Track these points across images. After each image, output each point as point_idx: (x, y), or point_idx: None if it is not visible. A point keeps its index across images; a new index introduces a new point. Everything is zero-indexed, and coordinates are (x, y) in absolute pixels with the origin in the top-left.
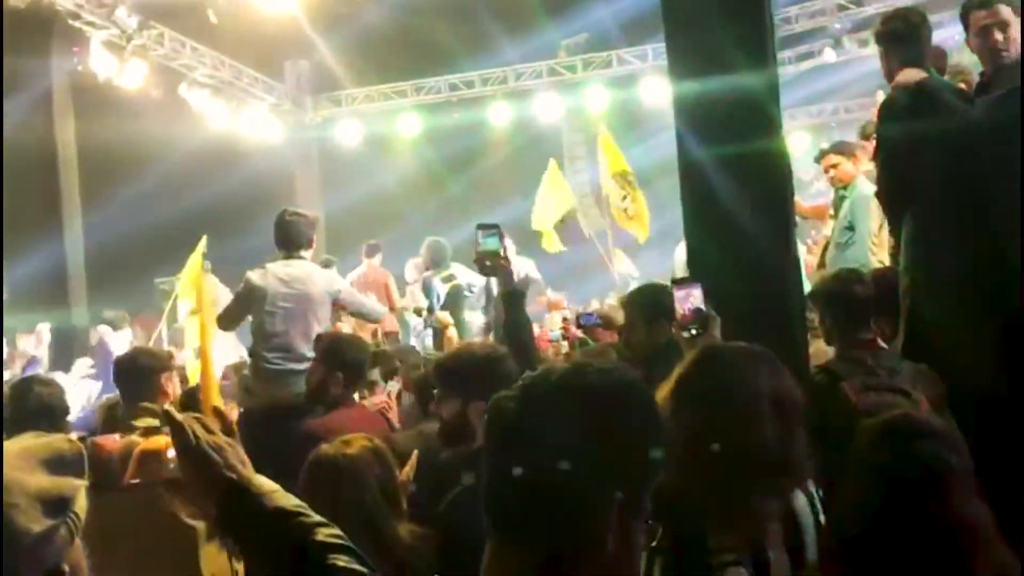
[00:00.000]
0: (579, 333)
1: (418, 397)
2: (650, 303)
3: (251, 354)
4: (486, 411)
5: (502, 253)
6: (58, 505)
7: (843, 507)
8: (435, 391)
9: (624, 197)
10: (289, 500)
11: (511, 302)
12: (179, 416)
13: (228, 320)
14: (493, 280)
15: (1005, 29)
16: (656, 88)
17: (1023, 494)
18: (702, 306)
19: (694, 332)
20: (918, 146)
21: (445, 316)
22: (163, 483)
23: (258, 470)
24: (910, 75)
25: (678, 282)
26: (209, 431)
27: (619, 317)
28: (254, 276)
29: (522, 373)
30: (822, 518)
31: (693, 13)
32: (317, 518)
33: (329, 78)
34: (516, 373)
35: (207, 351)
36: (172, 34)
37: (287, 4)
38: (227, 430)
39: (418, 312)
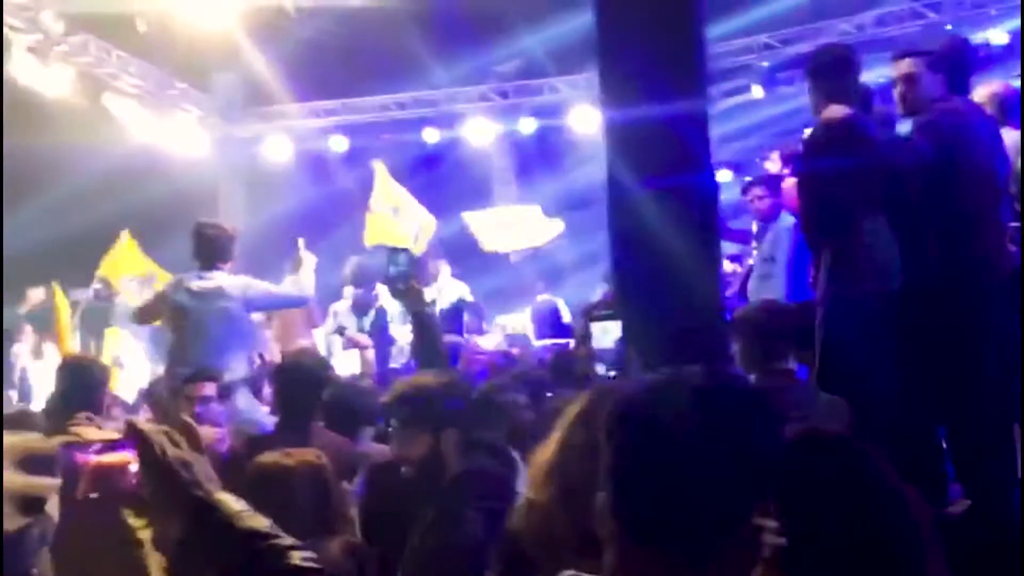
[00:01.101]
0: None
1: None
2: None
3: (166, 371)
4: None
5: (413, 276)
6: (32, 504)
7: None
8: (392, 425)
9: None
10: (260, 522)
11: (421, 324)
12: (146, 428)
13: (144, 315)
14: None
15: (904, 83)
16: (587, 117)
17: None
18: (615, 343)
19: (612, 373)
20: (840, 180)
21: (363, 337)
22: (123, 499)
23: None
24: (835, 111)
25: (596, 317)
26: (176, 445)
27: None
28: (167, 287)
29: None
30: None
31: (625, 45)
32: (290, 540)
33: (259, 93)
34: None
35: None
36: (98, 42)
37: (218, 17)
38: (195, 445)
39: (340, 331)
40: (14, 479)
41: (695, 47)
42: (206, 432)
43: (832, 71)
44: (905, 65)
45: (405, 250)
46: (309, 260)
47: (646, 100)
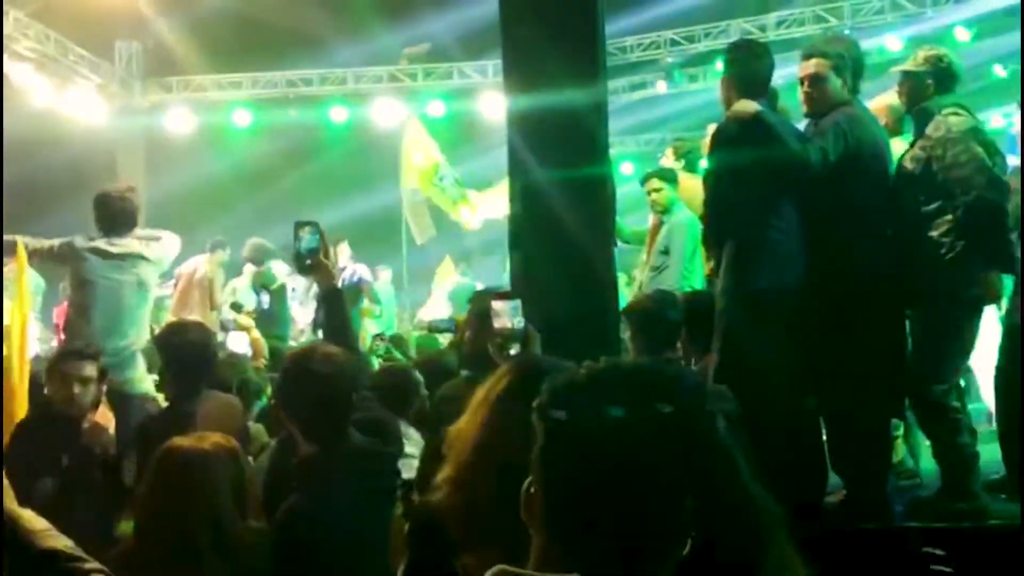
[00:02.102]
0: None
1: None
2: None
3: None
4: (548, 404)
5: (321, 251)
6: None
7: None
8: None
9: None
10: (61, 542)
11: (331, 301)
12: None
13: (35, 254)
14: None
15: (807, 83)
16: (495, 103)
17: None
18: (521, 322)
19: (512, 350)
20: (747, 174)
21: (246, 320)
22: None
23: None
24: (746, 105)
25: (499, 295)
26: None
27: None
28: (75, 242)
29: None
30: None
31: (528, 33)
32: (92, 564)
33: (162, 63)
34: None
35: (23, 348)
36: None
37: None
38: None
39: (236, 308)
40: None
41: (595, 38)
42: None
43: (746, 65)
44: (812, 65)
45: (312, 223)
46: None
47: (548, 89)
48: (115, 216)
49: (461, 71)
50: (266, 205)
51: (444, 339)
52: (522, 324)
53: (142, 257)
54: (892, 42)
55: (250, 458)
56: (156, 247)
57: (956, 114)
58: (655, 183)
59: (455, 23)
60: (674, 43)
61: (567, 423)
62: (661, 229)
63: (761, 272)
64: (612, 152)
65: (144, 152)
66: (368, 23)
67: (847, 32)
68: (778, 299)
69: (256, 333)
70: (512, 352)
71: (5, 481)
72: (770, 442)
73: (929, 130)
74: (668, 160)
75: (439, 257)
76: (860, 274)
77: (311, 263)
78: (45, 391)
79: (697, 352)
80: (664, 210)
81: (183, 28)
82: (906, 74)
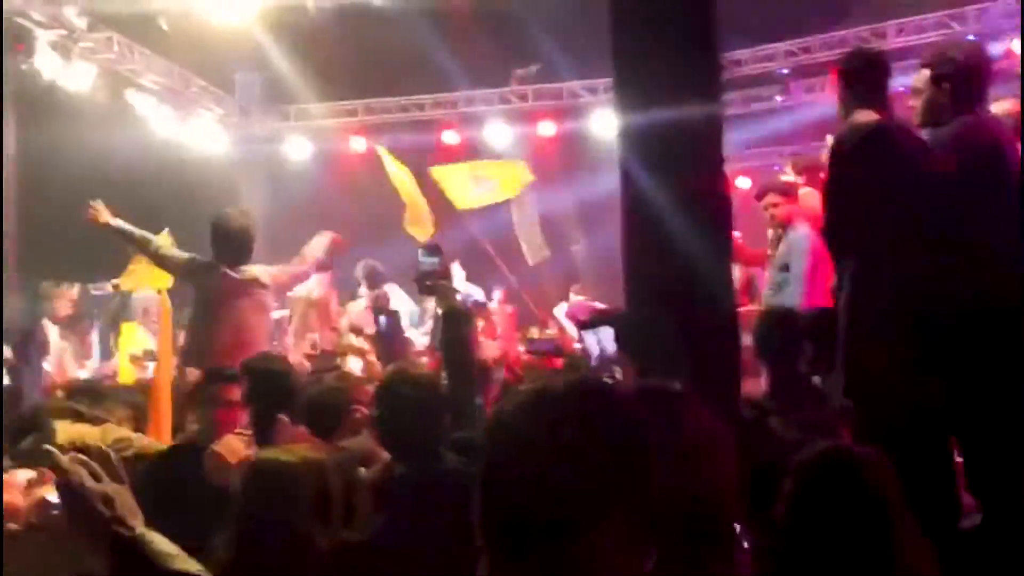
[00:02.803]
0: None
1: None
2: None
3: (184, 361)
4: (488, 424)
5: (442, 273)
6: None
7: (780, 542)
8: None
9: None
10: (188, 565)
11: (450, 321)
12: (63, 460)
13: (175, 268)
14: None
15: (915, 95)
16: (606, 121)
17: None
18: (612, 350)
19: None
20: (867, 187)
21: (363, 343)
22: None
23: None
24: (865, 116)
25: (588, 326)
26: (97, 478)
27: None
28: (201, 262)
29: (458, 392)
30: None
31: (641, 48)
32: None
33: (279, 92)
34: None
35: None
36: (121, 38)
37: (240, 16)
38: (115, 476)
39: (355, 331)
40: None
41: (710, 52)
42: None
43: (863, 76)
44: (926, 75)
45: (436, 246)
46: (324, 237)
47: (660, 104)
48: (235, 240)
49: (571, 90)
50: (382, 227)
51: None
52: (613, 352)
53: (259, 279)
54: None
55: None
56: (274, 273)
57: None
58: (773, 197)
59: (564, 42)
60: (790, 53)
61: (497, 443)
62: (780, 244)
63: (884, 288)
64: (727, 166)
65: (263, 179)
66: (479, 46)
67: (970, 38)
68: (903, 315)
69: (372, 356)
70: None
71: (131, 502)
72: (899, 462)
73: None
74: (788, 175)
75: (552, 276)
76: (991, 288)
77: (431, 285)
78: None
79: (822, 370)
80: (782, 225)
81: (300, 58)
82: None
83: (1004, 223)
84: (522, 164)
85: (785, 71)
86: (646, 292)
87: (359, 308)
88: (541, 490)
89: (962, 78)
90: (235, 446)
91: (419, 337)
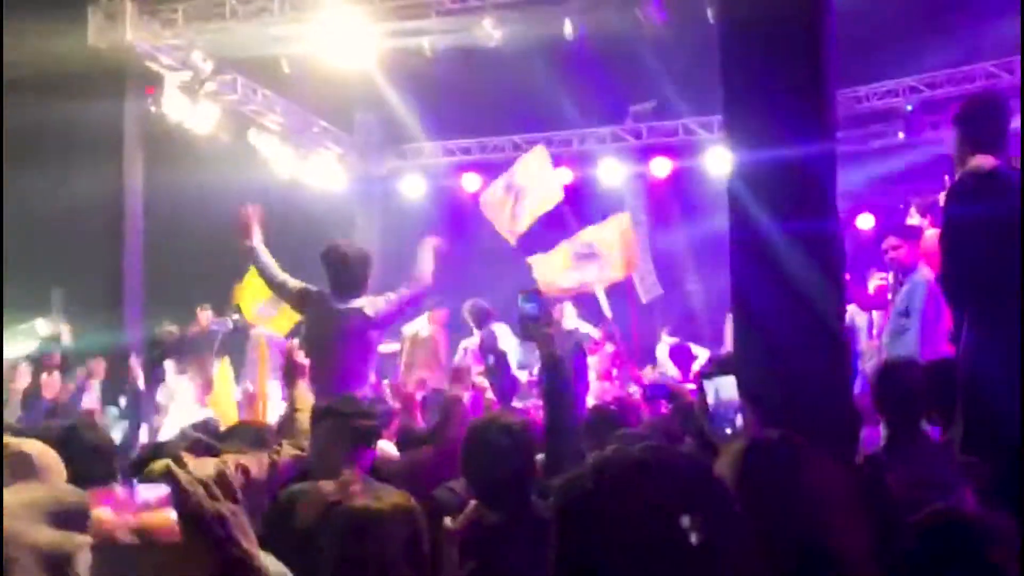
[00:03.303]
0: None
1: None
2: None
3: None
4: (561, 492)
5: (542, 319)
6: (59, 561)
7: None
8: None
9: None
10: None
11: (549, 368)
12: (183, 478)
13: (281, 292)
14: None
15: None
16: (721, 158)
17: None
18: (736, 398)
19: (728, 430)
20: (985, 233)
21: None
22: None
23: None
24: (983, 160)
25: (708, 375)
26: (214, 497)
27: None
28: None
29: (554, 440)
30: None
31: (752, 85)
32: None
33: (396, 132)
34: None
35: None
36: (244, 80)
37: (359, 58)
38: (232, 497)
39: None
40: (42, 535)
41: (820, 84)
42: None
43: (981, 119)
44: None
45: (535, 290)
46: (427, 247)
47: (772, 143)
48: (342, 271)
49: (686, 127)
50: (492, 264)
51: None
52: (737, 401)
53: (363, 311)
54: None
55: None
56: (380, 304)
57: None
58: (893, 240)
59: (681, 78)
60: (913, 89)
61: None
62: (902, 289)
63: (1004, 338)
64: (848, 205)
65: (380, 217)
66: (592, 83)
67: None
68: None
69: (490, 394)
70: (729, 431)
71: (245, 523)
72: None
73: None
74: (913, 216)
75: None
76: None
77: (531, 329)
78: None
79: (943, 421)
80: (904, 270)
81: (417, 98)
82: None
83: None
84: (625, 216)
85: (909, 107)
86: (757, 334)
87: (472, 345)
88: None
89: None
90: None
91: (526, 378)
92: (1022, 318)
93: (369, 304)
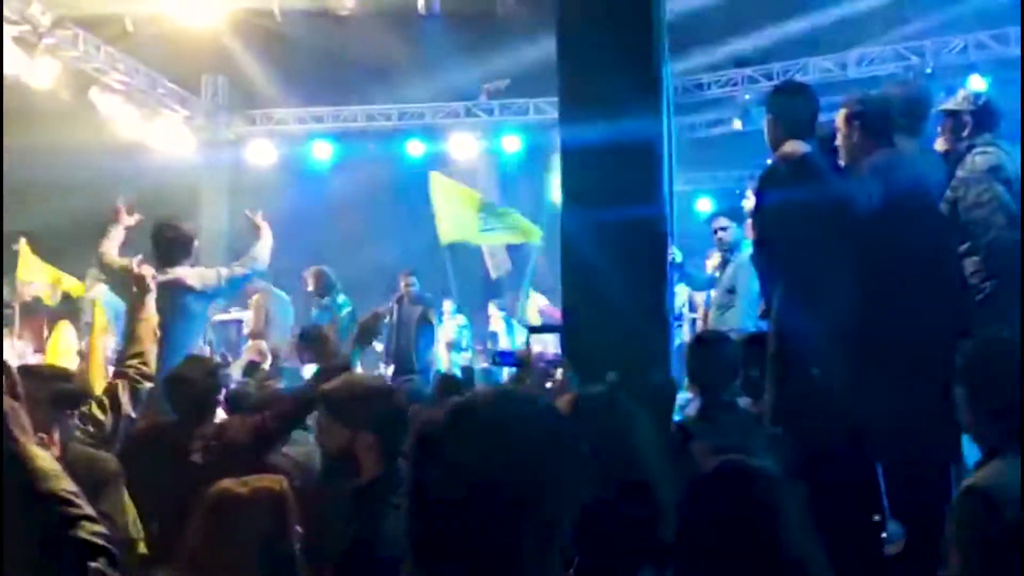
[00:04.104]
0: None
1: None
2: None
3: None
4: (413, 436)
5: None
6: None
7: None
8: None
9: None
10: (62, 485)
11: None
12: None
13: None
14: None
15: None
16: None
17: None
18: (557, 352)
19: (548, 383)
20: (793, 216)
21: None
22: None
23: None
24: (794, 147)
25: (535, 329)
26: None
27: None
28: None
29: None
30: None
31: (587, 68)
32: (86, 510)
33: (246, 96)
34: (406, 408)
35: None
36: (87, 36)
37: (208, 18)
38: (12, 392)
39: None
40: None
41: (655, 77)
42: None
43: (791, 107)
44: (843, 114)
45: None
46: (265, 229)
47: (602, 125)
48: (163, 248)
49: (538, 106)
50: (342, 236)
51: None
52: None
53: (184, 282)
54: (976, 82)
55: None
56: (194, 272)
57: (984, 152)
58: (722, 221)
59: (535, 58)
60: (752, 80)
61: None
62: (727, 267)
63: (808, 315)
64: (687, 188)
65: (227, 184)
66: (447, 58)
67: (929, 71)
68: (827, 342)
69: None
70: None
71: (23, 419)
72: (826, 490)
73: (959, 170)
74: (749, 200)
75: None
76: (908, 318)
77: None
78: None
79: (756, 393)
80: (730, 248)
81: (267, 62)
82: (947, 113)
83: (924, 250)
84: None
85: (747, 96)
86: (580, 311)
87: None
88: (469, 503)
89: (875, 116)
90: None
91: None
92: (822, 294)
93: (192, 274)
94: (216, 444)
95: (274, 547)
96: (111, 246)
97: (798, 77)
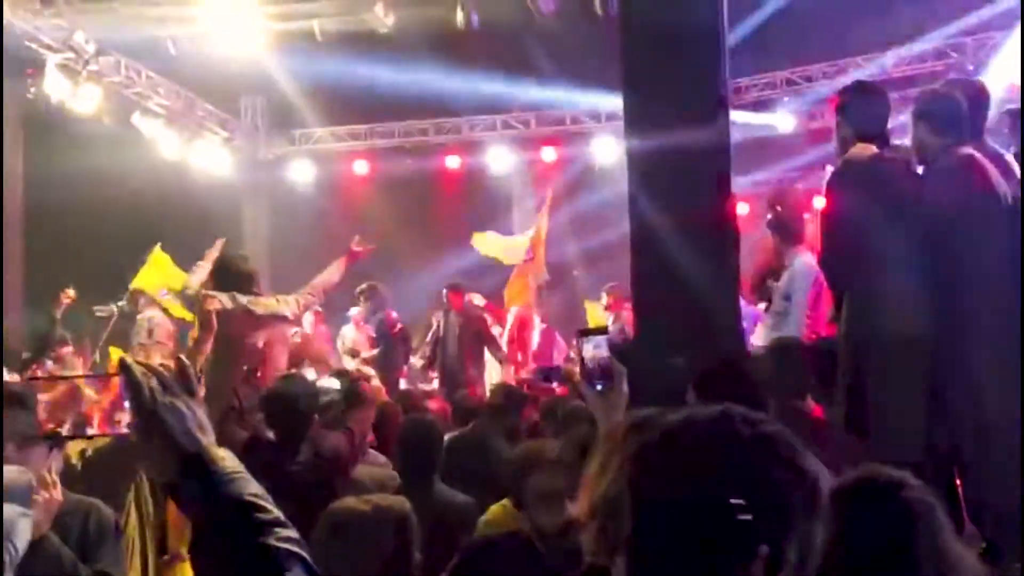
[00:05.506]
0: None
1: None
2: None
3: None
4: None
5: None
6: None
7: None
8: None
9: None
10: (250, 487)
11: None
12: (136, 370)
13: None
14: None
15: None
16: (607, 147)
17: None
18: (608, 357)
19: (599, 387)
20: (863, 220)
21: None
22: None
23: None
24: (863, 149)
25: (584, 332)
26: (169, 390)
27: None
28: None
29: None
30: None
31: (651, 76)
32: (276, 514)
33: (284, 116)
34: None
35: None
36: (129, 62)
37: (247, 42)
38: (189, 389)
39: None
40: None
41: (719, 79)
42: None
43: (859, 108)
44: (909, 115)
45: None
46: (339, 266)
47: (667, 133)
48: (238, 276)
49: (574, 117)
50: (382, 251)
51: None
52: (610, 361)
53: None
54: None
55: None
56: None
57: None
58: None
59: (569, 68)
60: (790, 82)
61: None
62: (784, 274)
63: (880, 319)
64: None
65: (268, 202)
66: (482, 72)
67: (970, 68)
68: (899, 348)
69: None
70: (599, 387)
71: (203, 417)
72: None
73: None
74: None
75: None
76: (984, 323)
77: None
78: None
79: (824, 400)
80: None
81: (304, 83)
82: (1011, 113)
83: (1000, 252)
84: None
85: (786, 99)
86: (651, 317)
87: (353, 332)
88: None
89: (943, 116)
90: None
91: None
92: (899, 301)
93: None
94: (311, 459)
95: (392, 568)
96: (195, 280)
97: (837, 80)
